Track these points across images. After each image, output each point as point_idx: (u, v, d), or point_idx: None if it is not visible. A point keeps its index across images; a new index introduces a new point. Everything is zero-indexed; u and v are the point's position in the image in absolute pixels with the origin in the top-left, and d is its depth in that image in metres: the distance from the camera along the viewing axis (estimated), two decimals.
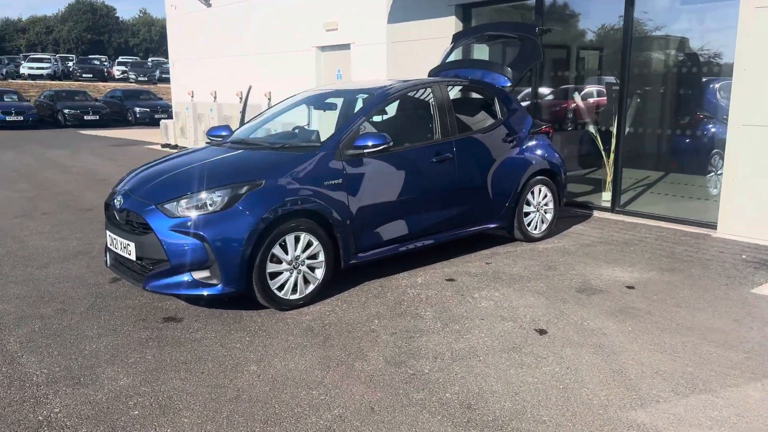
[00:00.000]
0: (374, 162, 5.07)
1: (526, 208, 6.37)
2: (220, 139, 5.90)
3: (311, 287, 4.79)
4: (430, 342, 4.09)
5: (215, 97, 14.78)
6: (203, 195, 4.43)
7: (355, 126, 5.08)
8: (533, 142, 6.42)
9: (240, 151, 5.15)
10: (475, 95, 6.67)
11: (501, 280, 5.30)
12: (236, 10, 14.72)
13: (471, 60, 6.85)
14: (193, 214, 4.37)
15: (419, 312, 4.61)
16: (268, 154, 4.96)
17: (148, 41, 77.91)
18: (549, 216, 6.62)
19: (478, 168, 5.87)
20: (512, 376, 3.58)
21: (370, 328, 4.33)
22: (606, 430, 3.02)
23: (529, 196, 6.38)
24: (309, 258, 4.74)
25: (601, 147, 8.35)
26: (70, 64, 44.40)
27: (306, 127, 6.12)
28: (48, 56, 45.65)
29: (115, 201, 4.87)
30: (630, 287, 5.10)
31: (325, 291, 5.00)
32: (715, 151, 8.31)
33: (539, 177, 6.42)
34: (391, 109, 6.18)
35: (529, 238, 6.46)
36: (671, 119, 8.95)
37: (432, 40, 9.51)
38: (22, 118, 24.72)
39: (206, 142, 5.97)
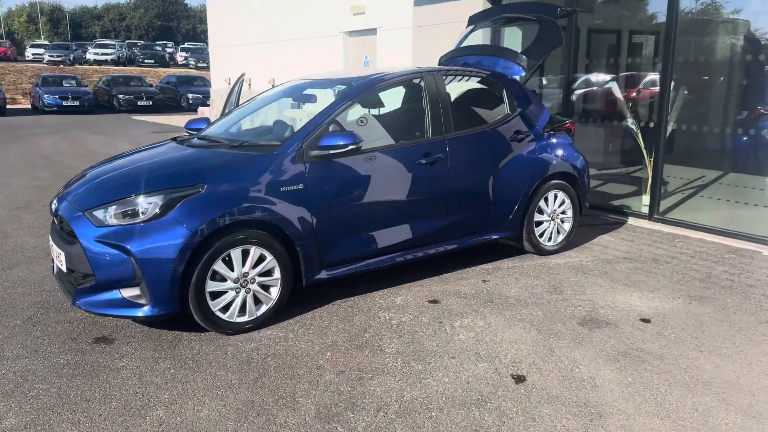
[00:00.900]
0: (345, 165, 4.38)
1: (537, 217, 5.55)
2: (195, 133, 5.33)
3: (264, 308, 4.17)
4: (381, 386, 3.40)
5: (250, 85, 14.36)
6: (135, 201, 3.87)
7: (322, 123, 4.40)
8: (549, 141, 5.57)
9: (192, 149, 4.56)
10: (481, 86, 5.87)
11: (493, 305, 4.53)
12: None
13: (482, 46, 6.03)
14: (121, 222, 3.81)
15: (383, 343, 3.92)
16: (220, 155, 4.34)
17: None
18: (566, 226, 5.78)
19: (478, 170, 5.10)
20: None
21: (318, 363, 3.67)
22: None
23: (542, 203, 5.55)
24: (261, 275, 4.12)
25: (642, 144, 7.38)
26: (136, 50, 45.28)
27: (299, 120, 5.44)
28: (113, 42, 46.72)
29: (52, 204, 4.37)
30: (645, 320, 4.25)
31: (287, 310, 4.38)
32: None
33: (555, 181, 5.58)
34: (373, 103, 5.44)
35: (542, 251, 5.65)
36: (726, 113, 7.85)
37: (459, 24, 8.67)
38: (78, 103, 25.17)
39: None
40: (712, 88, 7.88)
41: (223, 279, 3.98)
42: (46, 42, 50.10)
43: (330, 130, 4.42)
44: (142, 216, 3.82)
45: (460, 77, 5.50)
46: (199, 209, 3.84)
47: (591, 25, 8.78)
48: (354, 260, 4.55)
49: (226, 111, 5.80)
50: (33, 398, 3.32)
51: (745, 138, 7.46)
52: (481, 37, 8.73)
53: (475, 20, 6.57)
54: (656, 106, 6.89)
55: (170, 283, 3.78)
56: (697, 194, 7.82)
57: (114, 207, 3.88)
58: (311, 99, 5.15)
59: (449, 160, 4.90)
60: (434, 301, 4.61)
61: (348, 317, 4.34)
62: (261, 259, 4.09)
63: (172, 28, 76.37)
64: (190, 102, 27.52)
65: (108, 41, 48.74)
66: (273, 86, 5.57)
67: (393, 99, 5.59)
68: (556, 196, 5.64)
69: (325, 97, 4.81)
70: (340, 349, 3.86)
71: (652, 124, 7.08)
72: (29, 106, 27.96)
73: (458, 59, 6.18)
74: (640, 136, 7.51)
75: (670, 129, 6.95)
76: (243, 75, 6.72)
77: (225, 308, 4.03)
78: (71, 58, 40.93)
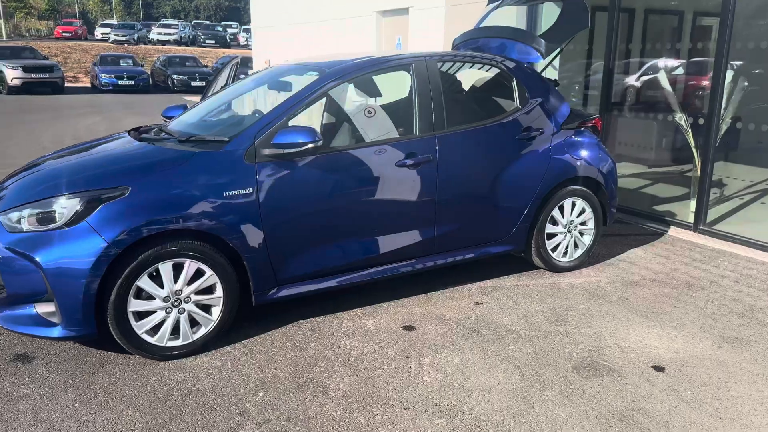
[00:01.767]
0: (307, 166, 3.74)
1: (550, 228, 4.77)
2: (169, 121, 4.79)
3: (202, 331, 3.61)
4: None
5: None
6: (51, 204, 3.35)
7: (280, 116, 3.76)
8: (568, 140, 4.76)
9: (138, 144, 4.00)
10: (486, 75, 5.08)
11: (477, 336, 3.82)
12: None
13: (501, 27, 5.23)
14: (34, 228, 3.30)
15: (330, 383, 3.29)
16: (156, 152, 3.76)
17: None
18: (586, 239, 4.97)
19: (475, 173, 4.36)
20: None
21: (243, 406, 3.08)
22: None
23: (556, 213, 4.76)
24: (199, 293, 3.54)
25: (693, 142, 6.42)
26: (199, 30, 45.70)
27: None
28: (176, 22, 47.30)
29: None
30: (658, 368, 3.45)
31: (238, 330, 3.81)
32: None
33: (573, 187, 4.78)
34: (350, 94, 4.74)
35: (554, 268, 4.87)
36: None
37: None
38: (133, 83, 25.37)
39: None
40: None
41: (151, 297, 3.43)
42: (114, 21, 51.21)
43: (289, 124, 3.77)
44: (58, 221, 3.29)
45: (461, 64, 4.74)
46: (120, 216, 3.29)
47: (637, 6, 7.78)
48: (318, 276, 3.92)
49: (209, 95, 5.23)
50: None
51: None
52: (515, 14, 7.88)
53: None
54: (707, 99, 5.92)
55: (83, 300, 3.25)
56: (755, 202, 6.79)
57: (28, 210, 3.37)
58: (287, 87, 4.51)
59: (439, 162, 4.18)
60: (410, 328, 3.93)
61: (303, 344, 3.72)
62: (200, 274, 3.51)
63: (239, 9, 77.05)
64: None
65: (172, 21, 49.43)
66: (269, 67, 4.94)
67: (375, 89, 4.89)
68: (574, 205, 4.83)
69: (302, 85, 4.15)
70: (277, 387, 3.25)
71: (702, 120, 6.11)
72: (89, 85, 28.44)
73: (470, 43, 5.40)
74: (690, 133, 6.54)
75: (725, 126, 5.98)
76: (237, 58, 6.14)
77: (154, 330, 3.49)
78: (135, 38, 41.64)
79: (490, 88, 4.98)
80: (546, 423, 2.94)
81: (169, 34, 41.87)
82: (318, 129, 4.03)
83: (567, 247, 4.89)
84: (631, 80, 7.70)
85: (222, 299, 3.60)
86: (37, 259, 3.22)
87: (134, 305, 3.39)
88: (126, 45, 39.25)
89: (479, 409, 3.05)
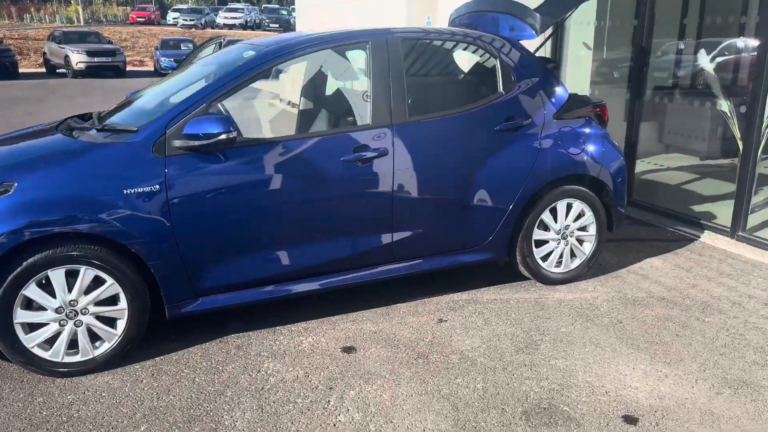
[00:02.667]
0: (226, 160, 3.24)
1: (540, 234, 4.10)
2: None
3: (105, 346, 3.20)
4: None
5: None
6: None
7: (199, 102, 3.27)
8: (563, 131, 4.07)
9: (54, 134, 3.59)
10: (466, 55, 4.41)
11: (424, 363, 3.24)
12: None
13: (495, 1, 4.55)
14: None
15: (227, 418, 2.81)
16: (60, 143, 3.34)
17: None
18: (586, 247, 4.26)
19: (441, 171, 3.75)
20: None
21: None
22: None
23: (547, 216, 4.09)
24: (99, 304, 3.12)
25: (738, 134, 5.53)
26: (264, 14, 45.92)
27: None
28: (242, 6, 47.69)
29: None
30: (630, 420, 2.79)
31: (158, 344, 3.39)
32: None
33: (568, 187, 4.09)
34: (294, 77, 4.17)
35: (545, 279, 4.20)
36: None
37: None
38: None
39: None
40: None
41: (42, 308, 3.03)
42: (186, 6, 52.16)
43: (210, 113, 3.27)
44: None
45: (433, 42, 4.10)
46: (0, 216, 2.89)
47: None
48: (248, 287, 3.43)
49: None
50: None
51: None
52: None
53: None
54: (751, 85, 5.04)
55: None
56: None
57: None
58: (222, 69, 3.99)
59: (396, 157, 3.59)
60: (350, 349, 3.39)
61: (220, 365, 3.24)
62: (99, 282, 3.09)
63: None
64: None
65: (238, 5, 49.88)
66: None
67: (315, 74, 4.32)
68: (569, 207, 4.13)
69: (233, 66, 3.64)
70: (165, 420, 2.79)
71: (744, 108, 5.23)
72: (152, 69, 28.93)
73: (466, 18, 4.74)
74: (735, 123, 5.65)
75: None
76: (222, 38, 5.68)
77: (49, 343, 3.09)
78: (203, 22, 42.20)
79: (467, 70, 4.31)
80: None
81: (235, 18, 42.21)
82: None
83: (561, 256, 4.21)
84: (669, 60, 6.80)
85: (126, 311, 3.17)
86: None
87: (22, 316, 3.00)
88: (193, 29, 39.80)
89: None
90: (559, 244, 4.17)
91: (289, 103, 3.91)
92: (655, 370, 3.18)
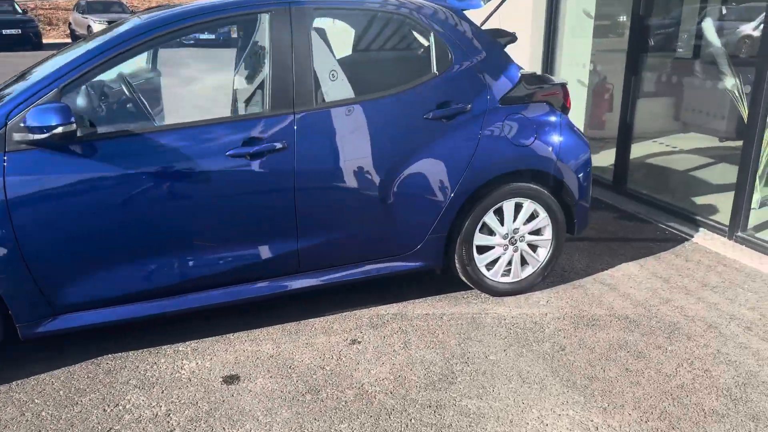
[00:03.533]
0: (83, 155, 2.76)
1: (483, 239, 3.52)
2: None
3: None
4: None
5: None
6: None
7: (49, 88, 2.77)
8: (511, 117, 3.45)
9: None
10: (393, 27, 3.76)
11: (312, 400, 2.74)
12: None
13: None
14: None
15: None
16: None
17: None
18: (540, 254, 3.66)
19: (356, 167, 3.19)
20: None
21: None
22: None
23: (491, 219, 3.50)
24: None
25: (744, 114, 4.79)
26: None
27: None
28: None
29: None
30: None
31: (24, 366, 2.96)
32: None
33: (517, 184, 3.48)
34: (168, 56, 3.58)
35: (491, 290, 3.63)
36: None
37: None
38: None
39: None
40: None
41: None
42: None
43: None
44: None
45: (358, 12, 3.48)
46: None
47: None
48: (126, 301, 2.96)
49: None
50: None
51: None
52: None
53: None
54: (757, 62, 4.29)
55: None
56: None
57: None
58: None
59: (298, 151, 3.05)
60: (232, 379, 2.91)
61: (78, 395, 2.80)
62: None
63: None
64: None
65: None
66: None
67: (193, 52, 3.75)
68: (519, 208, 3.53)
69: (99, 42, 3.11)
70: None
71: (749, 88, 4.49)
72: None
73: None
74: (744, 104, 4.91)
75: None
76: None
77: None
78: None
79: (394, 46, 3.69)
80: None
81: None
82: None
83: (510, 264, 3.62)
84: (664, 32, 6.01)
85: None
86: None
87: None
88: None
89: None
90: (506, 250, 3.58)
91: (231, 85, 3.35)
92: (585, 418, 2.61)
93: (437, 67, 3.36)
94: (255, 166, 2.99)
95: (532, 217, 3.59)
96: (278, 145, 3.01)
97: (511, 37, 3.74)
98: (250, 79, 3.34)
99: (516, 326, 3.34)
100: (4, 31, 20.38)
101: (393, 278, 3.73)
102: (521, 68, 3.60)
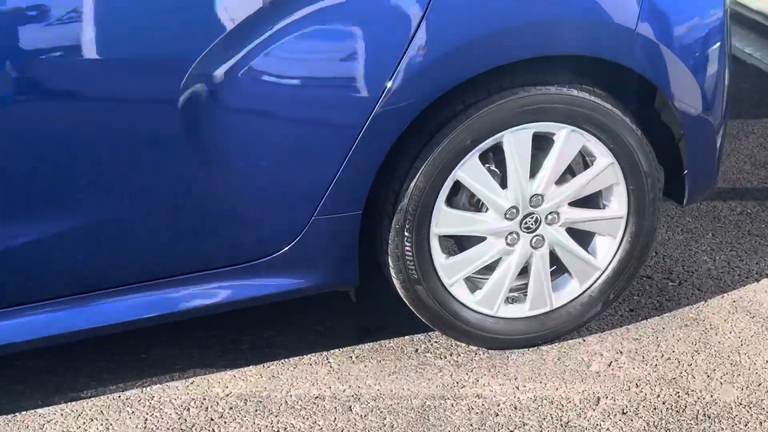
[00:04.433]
0: None
1: (455, 220, 1.50)
2: None
3: None
4: None
5: None
6: None
7: None
8: None
9: None
10: None
11: None
12: None
13: None
14: None
15: None
16: None
17: None
18: (600, 251, 1.60)
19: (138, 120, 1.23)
20: None
21: None
22: None
23: (473, 171, 1.46)
24: None
25: None
26: None
27: None
28: None
29: None
30: None
31: None
32: None
33: (542, 92, 1.43)
34: None
35: (476, 336, 1.60)
36: None
37: None
38: None
39: None
40: None
41: None
42: None
43: None
44: None
45: None
46: None
47: None
48: None
49: None
50: None
51: None
52: None
53: None
54: None
55: None
56: None
57: None
58: None
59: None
60: None
61: None
62: None
63: None
64: None
65: None
66: None
67: None
68: (544, 143, 1.48)
69: None
70: None
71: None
72: None
73: None
74: None
75: None
76: None
77: None
78: None
79: None
80: None
81: None
82: None
83: (526, 277, 1.58)
84: None
85: None
86: None
87: None
88: None
89: None
90: (515, 244, 1.53)
91: None
92: None
93: None
94: None
95: (578, 166, 1.54)
96: None
97: None
98: None
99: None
100: None
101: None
102: None
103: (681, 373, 1.54)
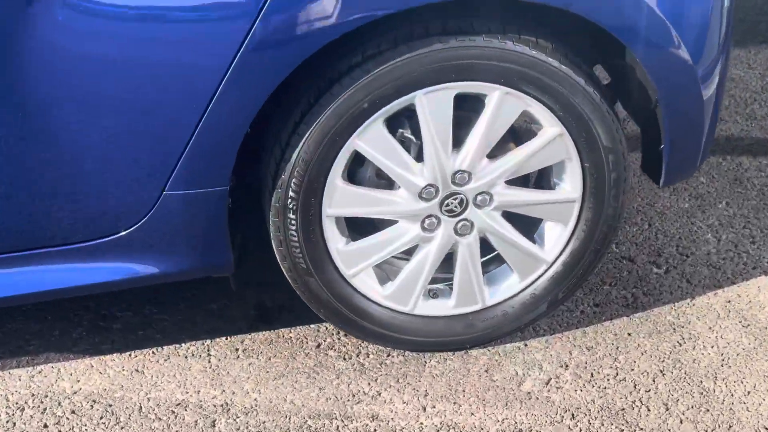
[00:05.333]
0: None
1: (356, 201, 1.18)
2: None
3: None
4: None
5: None
6: None
7: None
8: None
9: None
10: None
11: None
12: None
13: None
14: None
15: None
16: None
17: None
18: (549, 239, 1.26)
19: None
20: None
21: None
22: None
23: (376, 141, 1.12)
24: None
25: None
26: None
27: None
28: None
29: None
30: None
31: None
32: None
33: (464, 46, 1.06)
34: None
35: (383, 336, 1.31)
36: None
37: None
38: None
39: None
40: None
41: None
42: None
43: None
44: None
45: None
46: None
47: None
48: None
49: None
50: None
51: None
52: None
53: None
54: None
55: None
56: None
57: None
58: None
59: None
60: None
61: None
62: None
63: None
64: None
65: None
66: None
67: None
68: (473, 103, 1.13)
69: None
70: None
71: None
72: None
73: None
74: None
75: None
76: None
77: None
78: None
79: None
80: None
81: None
82: None
83: (452, 271, 1.26)
84: None
85: None
86: None
87: None
88: None
89: None
90: (434, 228, 1.20)
91: None
92: None
93: None
94: None
95: (518, 136, 1.19)
96: None
97: None
98: None
99: None
100: None
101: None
102: None
103: (634, 402, 1.22)
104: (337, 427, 1.19)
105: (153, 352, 1.34)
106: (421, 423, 1.19)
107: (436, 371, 1.29)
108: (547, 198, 1.23)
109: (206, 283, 1.39)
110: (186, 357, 1.33)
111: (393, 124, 1.15)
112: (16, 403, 1.22)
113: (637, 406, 1.21)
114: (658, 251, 1.58)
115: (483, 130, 1.13)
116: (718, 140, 1.93)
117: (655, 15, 1.06)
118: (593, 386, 1.25)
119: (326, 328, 1.39)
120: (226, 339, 1.37)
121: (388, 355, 1.33)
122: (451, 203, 1.18)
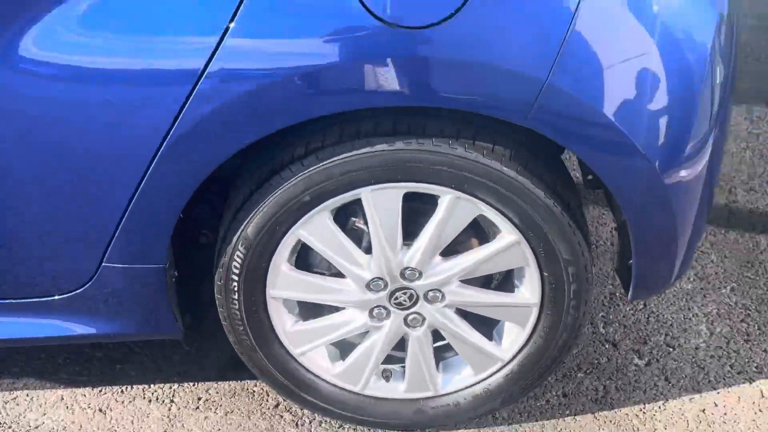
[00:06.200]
0: None
1: (306, 285, 1.17)
2: None
3: None
4: None
5: None
6: None
7: None
8: None
9: None
10: None
11: None
12: None
13: None
14: None
15: None
16: None
17: None
18: (507, 338, 1.23)
19: None
20: None
21: None
22: None
23: (322, 234, 1.10)
24: None
25: None
26: None
27: None
28: None
29: None
30: None
31: None
32: None
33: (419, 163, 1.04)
34: None
35: (329, 410, 1.30)
36: None
37: None
38: None
39: None
40: None
41: None
42: None
43: None
44: None
45: None
46: None
47: None
48: None
49: None
50: None
51: None
52: None
53: None
54: None
55: None
56: None
57: None
58: None
59: None
60: None
61: None
62: None
63: None
64: None
65: None
66: None
67: None
68: (422, 209, 1.09)
69: None
70: None
71: None
72: None
73: None
74: None
75: None
76: None
77: None
78: None
79: None
80: None
81: None
82: None
83: (404, 358, 1.24)
84: None
85: None
86: None
87: None
88: None
89: None
90: (384, 318, 1.18)
91: None
92: None
93: None
94: None
95: (475, 237, 1.14)
96: None
97: None
98: None
99: None
100: None
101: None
102: None
103: None
104: None
105: (121, 391, 1.40)
106: None
107: None
108: (503, 301, 1.19)
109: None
110: (150, 401, 1.38)
111: (347, 211, 1.13)
112: None
113: None
114: (645, 338, 1.50)
115: (433, 231, 1.09)
116: (740, 213, 1.80)
117: (615, 130, 0.97)
118: None
119: None
120: (193, 386, 1.41)
121: (340, 426, 1.33)
122: (401, 296, 1.16)
